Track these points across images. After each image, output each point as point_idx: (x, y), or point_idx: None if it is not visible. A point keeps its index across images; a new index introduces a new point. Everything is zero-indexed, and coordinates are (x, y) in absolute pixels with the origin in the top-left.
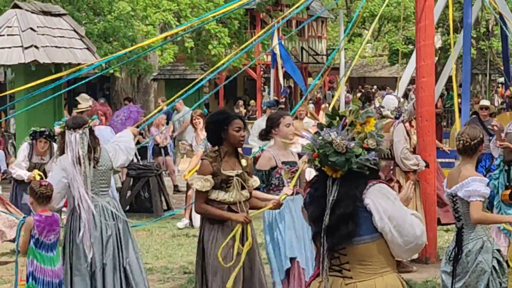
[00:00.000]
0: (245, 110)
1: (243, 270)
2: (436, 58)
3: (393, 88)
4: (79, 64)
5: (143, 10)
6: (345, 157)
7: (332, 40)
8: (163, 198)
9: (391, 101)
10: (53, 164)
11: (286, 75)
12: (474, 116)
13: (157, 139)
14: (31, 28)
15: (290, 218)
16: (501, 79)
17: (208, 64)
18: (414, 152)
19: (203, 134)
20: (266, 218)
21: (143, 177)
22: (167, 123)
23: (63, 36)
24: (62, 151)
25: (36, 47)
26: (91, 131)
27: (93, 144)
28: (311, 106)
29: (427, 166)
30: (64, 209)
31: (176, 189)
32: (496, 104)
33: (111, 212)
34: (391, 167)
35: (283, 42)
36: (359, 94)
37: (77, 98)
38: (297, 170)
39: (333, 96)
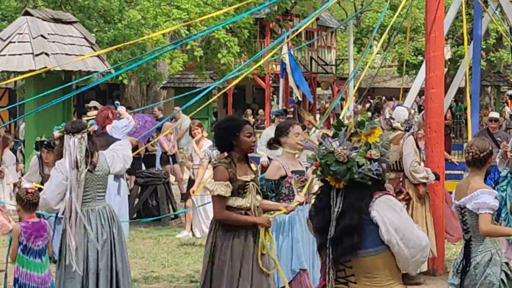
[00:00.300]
0: (253, 119)
1: (253, 275)
2: (446, 70)
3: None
4: (89, 71)
5: (153, 18)
6: (347, 167)
7: (342, 50)
8: (170, 206)
9: (402, 113)
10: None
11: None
12: (483, 128)
13: (165, 147)
14: (42, 35)
15: (300, 229)
16: (511, 91)
17: (217, 73)
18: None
19: (202, 143)
20: (277, 219)
21: (151, 185)
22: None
23: (73, 44)
24: (60, 155)
25: (46, 54)
26: (90, 136)
27: (91, 149)
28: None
29: (437, 178)
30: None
31: (183, 197)
32: (506, 116)
33: (107, 216)
34: (401, 179)
35: (292, 52)
36: (367, 105)
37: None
38: (306, 180)
39: (342, 107)
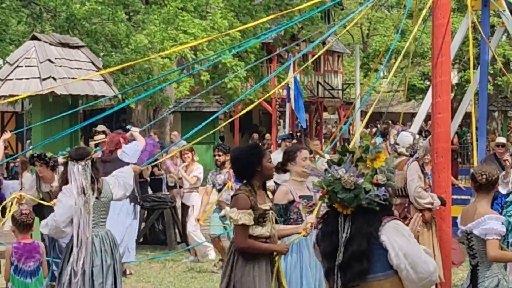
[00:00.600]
0: (260, 144)
1: None
2: (453, 95)
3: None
4: (96, 96)
5: (160, 43)
6: (354, 193)
7: (348, 74)
8: (177, 231)
9: (406, 138)
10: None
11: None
12: (490, 153)
13: (171, 171)
14: (49, 60)
15: (307, 255)
16: None
17: (224, 97)
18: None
19: (192, 168)
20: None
21: (158, 209)
22: None
23: (80, 68)
24: (65, 181)
25: (54, 78)
26: (93, 163)
27: (96, 175)
28: (317, 142)
29: (442, 204)
30: None
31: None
32: None
33: (109, 242)
34: (406, 205)
35: (299, 76)
36: (374, 130)
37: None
38: (314, 204)
39: (349, 132)
